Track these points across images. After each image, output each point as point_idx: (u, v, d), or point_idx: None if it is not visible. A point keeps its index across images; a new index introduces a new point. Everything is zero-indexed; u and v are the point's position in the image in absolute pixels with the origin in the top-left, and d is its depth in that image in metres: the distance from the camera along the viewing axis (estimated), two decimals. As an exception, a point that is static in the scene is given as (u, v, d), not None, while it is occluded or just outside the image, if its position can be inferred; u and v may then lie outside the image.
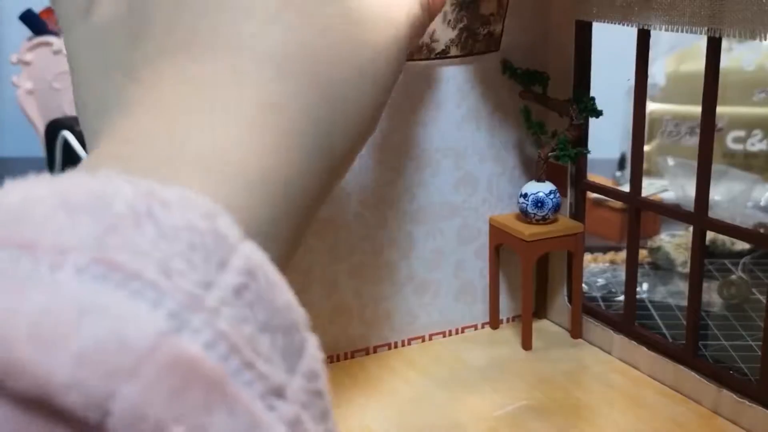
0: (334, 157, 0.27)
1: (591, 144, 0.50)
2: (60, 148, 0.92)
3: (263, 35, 0.25)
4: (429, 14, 0.35)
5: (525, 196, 0.49)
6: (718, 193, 0.77)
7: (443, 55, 0.47)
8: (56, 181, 0.16)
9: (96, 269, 0.14)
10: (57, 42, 1.02)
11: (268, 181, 0.23)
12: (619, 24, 0.43)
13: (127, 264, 0.15)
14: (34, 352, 0.13)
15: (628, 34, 0.44)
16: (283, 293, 0.17)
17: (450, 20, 0.46)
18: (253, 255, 0.17)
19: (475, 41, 0.48)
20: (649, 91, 0.49)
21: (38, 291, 0.14)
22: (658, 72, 0.93)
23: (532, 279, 0.50)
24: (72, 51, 0.28)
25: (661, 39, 0.91)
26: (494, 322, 0.53)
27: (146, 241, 0.15)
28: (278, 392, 0.16)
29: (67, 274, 0.14)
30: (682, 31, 0.40)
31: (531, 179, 0.49)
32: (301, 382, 0.17)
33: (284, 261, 0.24)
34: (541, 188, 0.48)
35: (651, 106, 0.89)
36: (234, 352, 0.15)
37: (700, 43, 0.45)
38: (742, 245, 0.71)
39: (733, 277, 0.65)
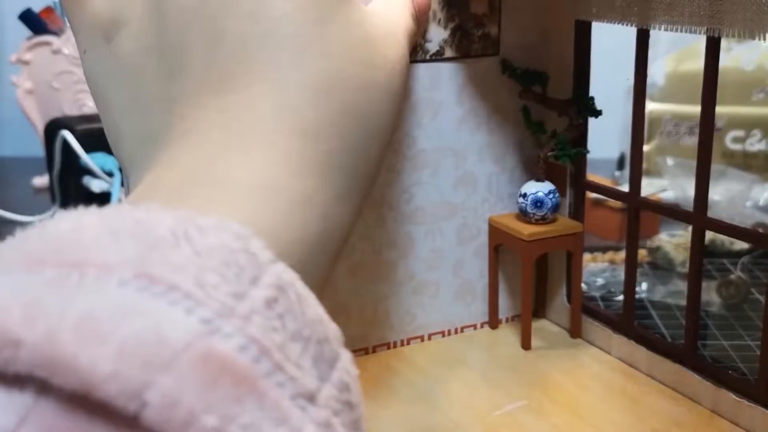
0: (367, 175, 0.28)
1: (590, 144, 0.50)
2: (59, 148, 0.92)
3: (298, 65, 0.25)
4: (418, 24, 0.36)
5: (524, 195, 0.49)
6: (717, 192, 0.77)
7: (438, 56, 0.47)
8: (103, 211, 0.18)
9: (137, 282, 0.16)
10: (56, 42, 1.02)
11: (310, 202, 0.24)
12: (618, 24, 0.43)
13: (165, 277, 0.16)
14: (79, 348, 0.14)
15: (628, 33, 0.44)
16: (314, 308, 0.18)
17: (440, 19, 0.46)
18: (283, 273, 0.18)
19: (470, 42, 0.47)
20: (649, 91, 0.49)
21: (84, 297, 0.15)
22: (657, 72, 0.93)
23: (531, 279, 0.50)
24: (95, 78, 0.29)
25: (661, 39, 0.91)
26: (493, 322, 0.53)
27: (183, 258, 0.16)
28: (309, 397, 0.17)
29: (111, 286, 0.15)
30: (681, 31, 0.40)
31: (530, 179, 0.49)
32: (333, 392, 0.18)
33: (323, 282, 0.26)
34: (541, 188, 0.48)
35: (650, 106, 0.89)
36: (265, 355, 0.16)
37: (700, 42, 0.45)
38: (741, 245, 0.71)
39: (732, 276, 0.65)
